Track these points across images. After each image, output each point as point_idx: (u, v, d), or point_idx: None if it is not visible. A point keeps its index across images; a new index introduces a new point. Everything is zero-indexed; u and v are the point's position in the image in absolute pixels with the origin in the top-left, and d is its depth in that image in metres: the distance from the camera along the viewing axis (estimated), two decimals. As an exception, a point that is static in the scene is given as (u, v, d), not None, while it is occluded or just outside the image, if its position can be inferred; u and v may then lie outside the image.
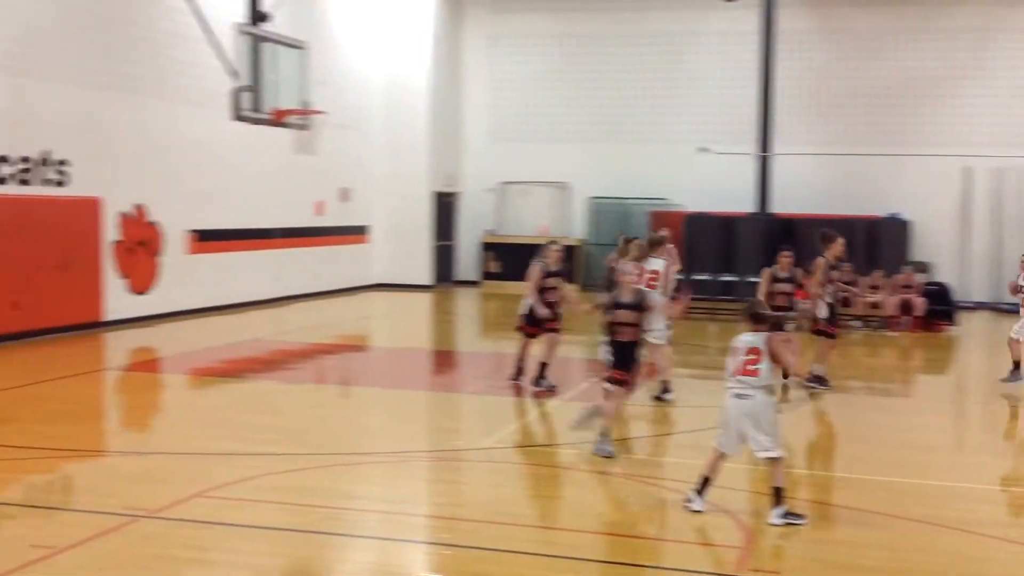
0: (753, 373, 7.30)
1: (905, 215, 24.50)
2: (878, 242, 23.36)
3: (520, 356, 12.37)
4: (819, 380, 12.54)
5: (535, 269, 12.05)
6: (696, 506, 7.43)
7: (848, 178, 25.31)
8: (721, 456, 7.46)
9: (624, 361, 9.12)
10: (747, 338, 7.35)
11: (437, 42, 26.40)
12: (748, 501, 7.97)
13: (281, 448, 9.11)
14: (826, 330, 12.95)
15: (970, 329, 20.35)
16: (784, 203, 25.25)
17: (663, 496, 8.05)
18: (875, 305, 19.94)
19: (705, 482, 7.48)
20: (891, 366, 17.05)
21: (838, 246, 12.98)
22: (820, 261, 12.90)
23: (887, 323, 19.76)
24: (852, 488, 8.49)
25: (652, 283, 11.49)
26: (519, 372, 12.29)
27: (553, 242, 12.40)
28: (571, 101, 27.19)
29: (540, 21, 27.23)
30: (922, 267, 21.18)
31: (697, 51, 26.39)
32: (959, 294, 22.18)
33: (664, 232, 13.08)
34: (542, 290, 12.00)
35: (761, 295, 12.30)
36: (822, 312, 12.87)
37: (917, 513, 7.65)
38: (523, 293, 12.35)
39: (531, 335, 12.25)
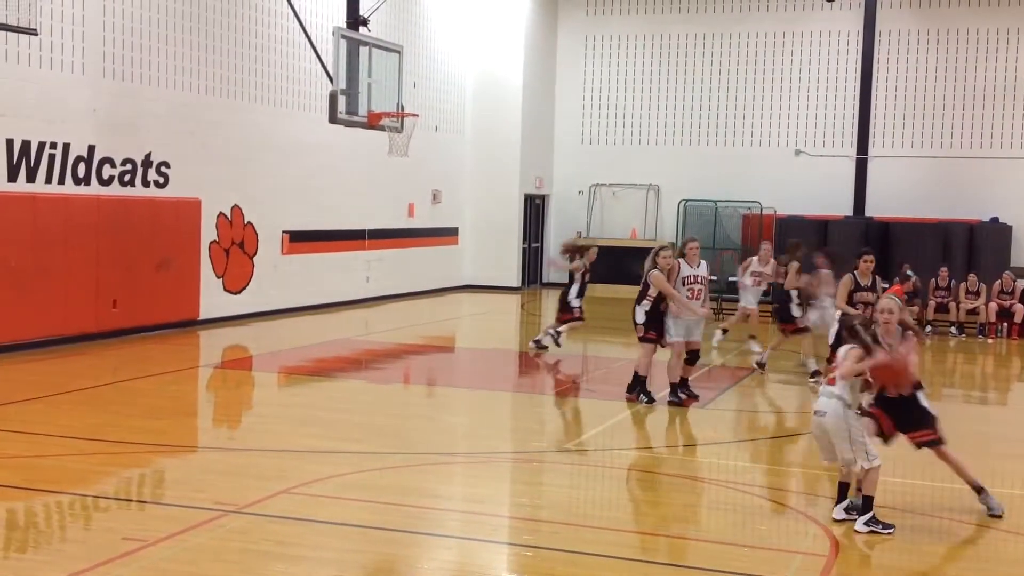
0: (831, 382, 7.27)
1: (1006, 219, 23.81)
2: (977, 247, 22.77)
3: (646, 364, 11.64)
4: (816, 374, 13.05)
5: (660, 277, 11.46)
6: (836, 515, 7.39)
7: (947, 181, 24.70)
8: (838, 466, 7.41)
9: None
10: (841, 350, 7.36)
11: (530, 43, 26.50)
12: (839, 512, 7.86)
13: (367, 446, 9.25)
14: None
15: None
16: (880, 206, 24.78)
17: (749, 502, 7.96)
18: (973, 311, 19.43)
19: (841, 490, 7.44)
20: (988, 373, 16.59)
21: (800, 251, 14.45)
22: (794, 265, 14.32)
23: (985, 330, 19.23)
24: (942, 496, 8.29)
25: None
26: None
27: (664, 247, 11.75)
28: (663, 102, 27.03)
29: (634, 22, 27.14)
30: (1021, 273, 20.55)
31: (795, 52, 26.02)
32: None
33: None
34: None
35: (841, 303, 11.46)
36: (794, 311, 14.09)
37: (1006, 524, 7.45)
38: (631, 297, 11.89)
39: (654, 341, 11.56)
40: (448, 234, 25.64)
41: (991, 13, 24.52)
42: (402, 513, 7.47)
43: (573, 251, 15.30)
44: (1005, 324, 19.29)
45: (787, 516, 7.78)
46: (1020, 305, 19.32)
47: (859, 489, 7.34)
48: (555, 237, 27.77)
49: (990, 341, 18.87)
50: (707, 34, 26.61)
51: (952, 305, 19.58)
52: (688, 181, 26.56)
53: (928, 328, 19.48)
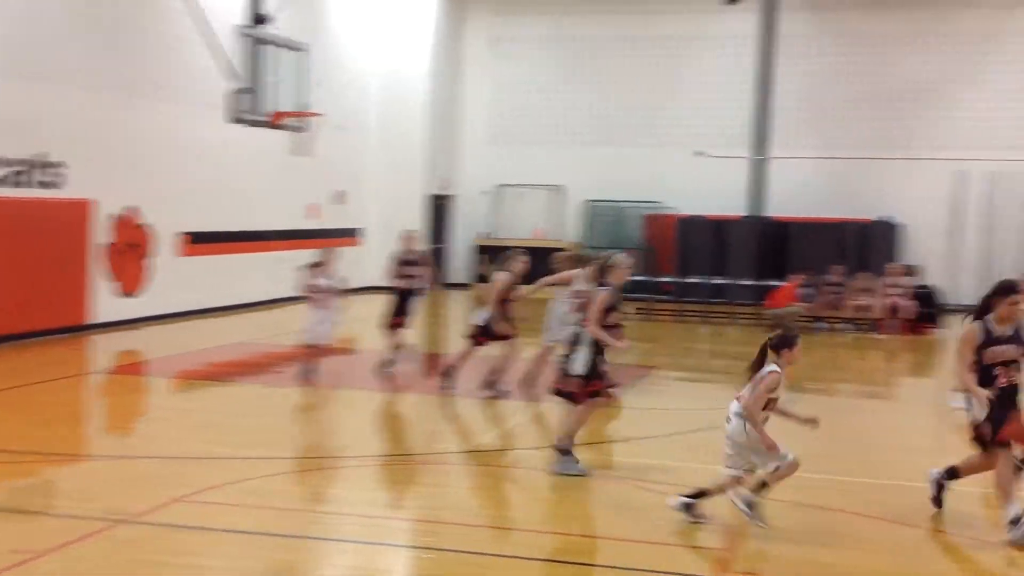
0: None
1: (896, 218, 24.56)
2: (869, 245, 23.45)
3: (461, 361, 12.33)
4: None
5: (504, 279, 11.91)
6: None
7: (842, 182, 25.35)
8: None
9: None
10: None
11: (437, 43, 26.45)
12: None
13: (264, 452, 9.13)
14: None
15: (957, 332, 20.38)
16: (778, 206, 25.32)
17: (652, 499, 8.06)
18: (864, 307, 19.99)
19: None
20: (878, 368, 17.10)
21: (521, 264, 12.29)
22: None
23: (875, 326, 19.81)
24: (834, 489, 8.51)
25: None
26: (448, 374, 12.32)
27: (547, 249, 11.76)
28: (569, 104, 27.22)
29: (541, 24, 27.28)
30: (911, 270, 21.21)
31: (696, 55, 26.44)
32: (948, 297, 22.21)
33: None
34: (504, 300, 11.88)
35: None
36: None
37: (893, 513, 7.70)
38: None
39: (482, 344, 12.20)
40: (352, 235, 25.46)
41: (886, 19, 25.23)
42: (299, 518, 7.39)
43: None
44: (895, 320, 19.87)
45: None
46: (910, 301, 19.92)
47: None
48: (461, 238, 27.79)
49: (881, 337, 19.43)
50: (611, 36, 26.87)
51: (845, 302, 20.12)
52: (592, 182, 26.79)
53: (823, 325, 20.00)
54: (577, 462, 8.62)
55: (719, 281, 23.01)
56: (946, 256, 24.76)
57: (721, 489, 7.33)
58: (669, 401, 12.76)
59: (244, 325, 18.81)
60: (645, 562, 6.72)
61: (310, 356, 12.93)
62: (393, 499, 8.29)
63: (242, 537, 6.92)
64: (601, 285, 8.76)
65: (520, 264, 12.25)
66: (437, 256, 27.34)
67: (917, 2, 24.95)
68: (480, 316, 12.26)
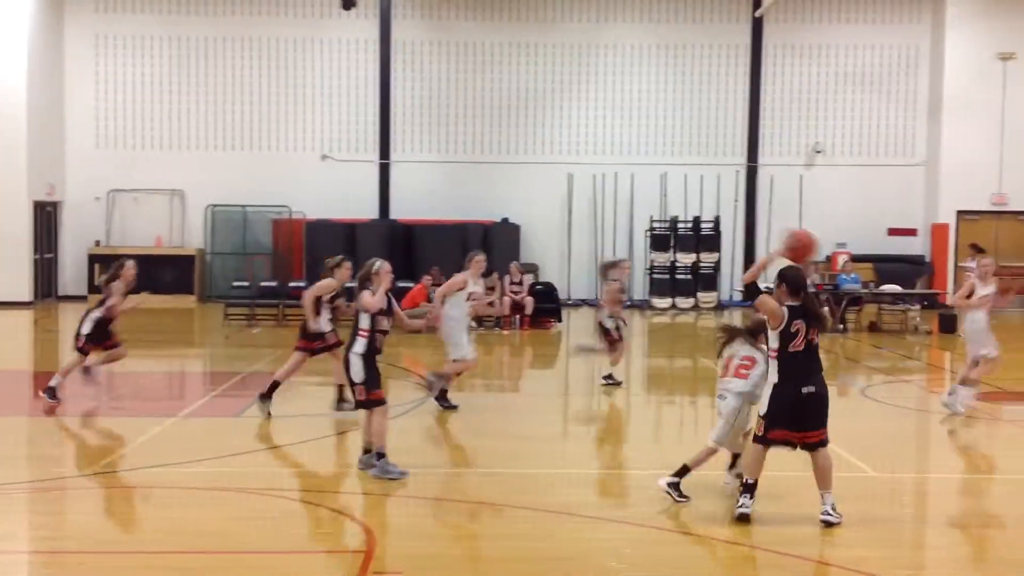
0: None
1: (515, 220, 25.86)
2: (492, 246, 24.46)
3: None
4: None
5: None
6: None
7: (464, 185, 26.31)
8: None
9: None
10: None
11: (33, 41, 24.52)
12: (374, 504, 8.06)
13: None
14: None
15: (575, 325, 21.82)
16: (404, 209, 25.86)
17: (286, 508, 7.91)
18: (490, 305, 20.83)
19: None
20: (505, 363, 17.88)
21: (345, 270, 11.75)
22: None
23: (500, 322, 20.73)
24: (468, 482, 8.79)
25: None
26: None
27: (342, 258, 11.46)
28: (186, 106, 26.24)
29: (149, 22, 26.06)
30: (530, 268, 22.39)
31: (316, 58, 26.36)
32: (564, 293, 23.73)
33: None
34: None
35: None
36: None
37: (526, 501, 8.07)
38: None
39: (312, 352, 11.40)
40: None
41: (495, 28, 26.48)
42: None
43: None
44: (518, 316, 20.90)
45: (325, 517, 7.84)
46: (530, 298, 21.03)
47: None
48: (70, 247, 25.97)
49: (505, 333, 20.34)
50: (225, 37, 26.19)
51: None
52: (215, 186, 26.00)
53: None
54: (395, 466, 8.62)
55: (351, 285, 23.03)
56: (561, 254, 26.43)
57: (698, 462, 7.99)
58: (305, 407, 12.62)
59: None
60: (284, 573, 6.60)
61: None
62: (10, 529, 7.56)
63: None
64: (362, 289, 8.87)
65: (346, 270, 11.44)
66: (46, 267, 25.44)
67: (522, 14, 26.40)
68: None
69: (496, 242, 24.64)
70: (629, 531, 7.34)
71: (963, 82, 25.38)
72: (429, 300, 20.17)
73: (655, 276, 25.81)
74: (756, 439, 7.57)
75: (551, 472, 9.14)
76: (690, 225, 25.95)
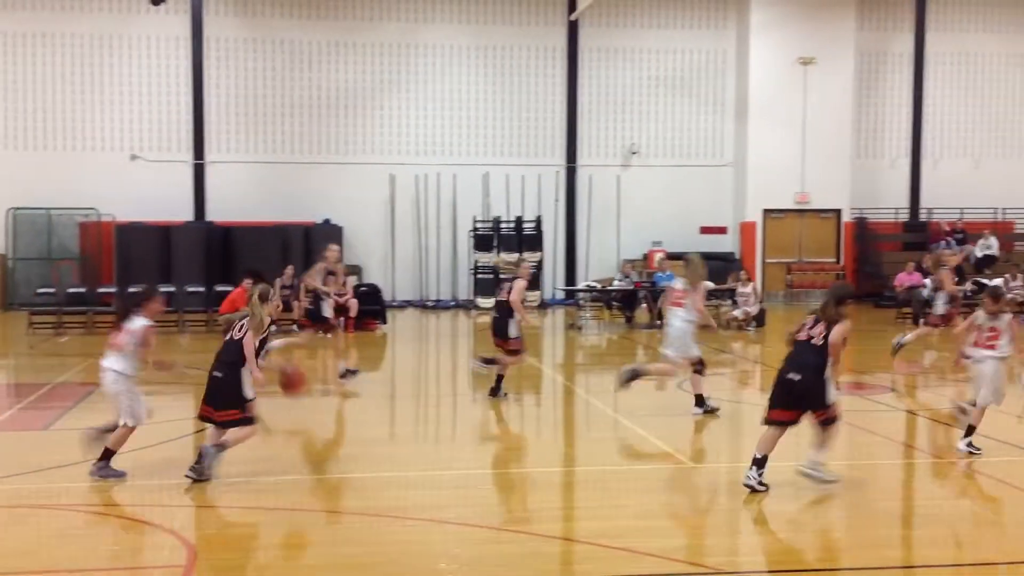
0: None
1: (338, 220, 25.58)
2: (314, 248, 24.12)
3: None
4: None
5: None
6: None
7: (284, 186, 25.85)
8: None
9: None
10: None
11: None
12: (195, 516, 7.83)
13: None
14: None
15: (399, 326, 21.77)
16: (221, 211, 25.22)
17: (101, 523, 7.59)
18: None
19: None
20: (329, 367, 17.65)
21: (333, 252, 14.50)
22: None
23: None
24: (292, 490, 8.64)
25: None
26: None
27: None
28: (-19, 103, 24.83)
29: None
30: (353, 270, 22.19)
31: (124, 55, 25.40)
32: (388, 294, 23.63)
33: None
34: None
35: None
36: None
37: (354, 506, 8.00)
38: None
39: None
40: None
41: (313, 25, 26.06)
42: None
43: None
44: (342, 319, 20.63)
45: (142, 532, 7.57)
46: (354, 300, 20.79)
47: None
48: None
49: (328, 336, 20.08)
50: (35, 33, 24.92)
51: (295, 303, 20.48)
52: (16, 188, 24.72)
53: (272, 327, 20.15)
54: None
55: (165, 289, 22.28)
56: (384, 255, 26.30)
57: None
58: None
59: None
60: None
61: None
62: None
63: None
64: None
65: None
66: None
67: (340, 12, 26.14)
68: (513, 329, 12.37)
69: (318, 244, 24.23)
70: (459, 531, 7.38)
71: (767, 86, 26.59)
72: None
73: (479, 276, 25.99)
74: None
75: (379, 476, 9.08)
76: (513, 225, 26.25)
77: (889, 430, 11.28)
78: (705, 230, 27.17)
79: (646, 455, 9.76)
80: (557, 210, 27.14)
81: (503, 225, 26.27)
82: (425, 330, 21.95)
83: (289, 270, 20.91)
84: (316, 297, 14.25)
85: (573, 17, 26.51)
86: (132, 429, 8.59)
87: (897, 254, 26.43)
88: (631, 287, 22.27)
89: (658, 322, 21.08)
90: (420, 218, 26.60)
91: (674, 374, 12.00)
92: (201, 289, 21.78)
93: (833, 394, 8.18)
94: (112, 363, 8.55)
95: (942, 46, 27.76)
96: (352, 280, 21.78)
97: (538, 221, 26.44)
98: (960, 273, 22.74)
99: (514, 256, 25.95)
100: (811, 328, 8.19)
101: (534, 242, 26.17)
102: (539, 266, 26.16)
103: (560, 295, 26.40)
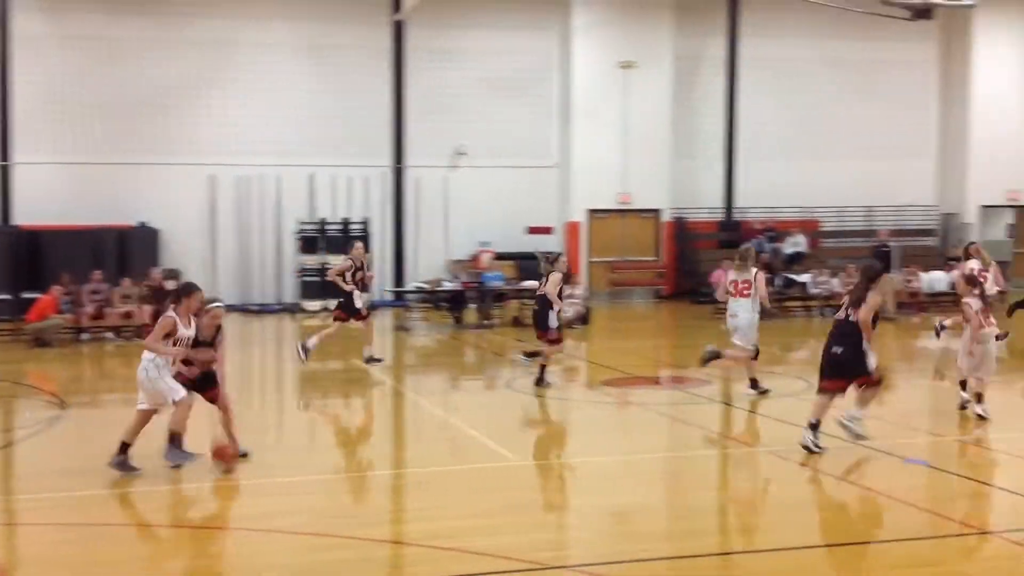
0: None
1: (155, 223, 24.70)
2: (129, 252, 23.30)
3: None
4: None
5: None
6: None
7: (96, 188, 24.75)
8: None
9: None
10: None
11: None
12: (5, 534, 7.40)
13: None
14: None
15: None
16: (29, 215, 24.01)
17: None
18: (128, 315, 19.75)
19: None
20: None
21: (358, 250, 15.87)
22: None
23: (142, 332, 19.70)
24: (111, 504, 8.28)
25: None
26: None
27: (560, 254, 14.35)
28: None
29: None
30: (172, 274, 21.43)
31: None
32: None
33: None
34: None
35: None
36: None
37: (180, 518, 7.73)
38: None
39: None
40: None
41: (127, 22, 25.03)
42: None
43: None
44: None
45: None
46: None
47: None
48: None
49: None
50: None
51: (108, 310, 19.67)
52: None
53: (86, 335, 19.36)
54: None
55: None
56: (205, 259, 25.54)
57: None
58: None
59: None
60: None
61: None
62: None
63: None
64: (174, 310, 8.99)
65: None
66: None
67: (156, 8, 25.24)
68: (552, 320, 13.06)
69: (134, 247, 23.39)
70: (287, 540, 7.21)
71: (590, 88, 27.10)
72: (60, 311, 18.84)
73: (305, 279, 25.56)
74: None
75: (204, 486, 8.78)
76: (340, 227, 25.93)
77: (705, 421, 11.66)
78: (532, 230, 27.48)
79: (476, 455, 9.80)
80: (385, 211, 26.95)
81: (329, 227, 25.91)
82: (249, 335, 21.42)
83: (97, 275, 20.07)
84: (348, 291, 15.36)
85: (398, 17, 26.37)
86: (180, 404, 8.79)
87: (713, 252, 27.38)
88: (460, 288, 22.32)
89: (485, 322, 21.23)
90: (242, 220, 25.95)
91: (748, 359, 12.62)
92: (7, 297, 20.67)
93: (873, 362, 9.31)
94: (144, 353, 8.88)
95: (754, 51, 28.90)
96: (171, 285, 21.06)
97: (365, 222, 26.20)
98: (771, 270, 23.79)
99: (341, 258, 25.57)
100: (848, 307, 9.38)
101: (362, 244, 25.82)
102: (367, 267, 25.84)
103: (389, 296, 26.24)
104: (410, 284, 25.16)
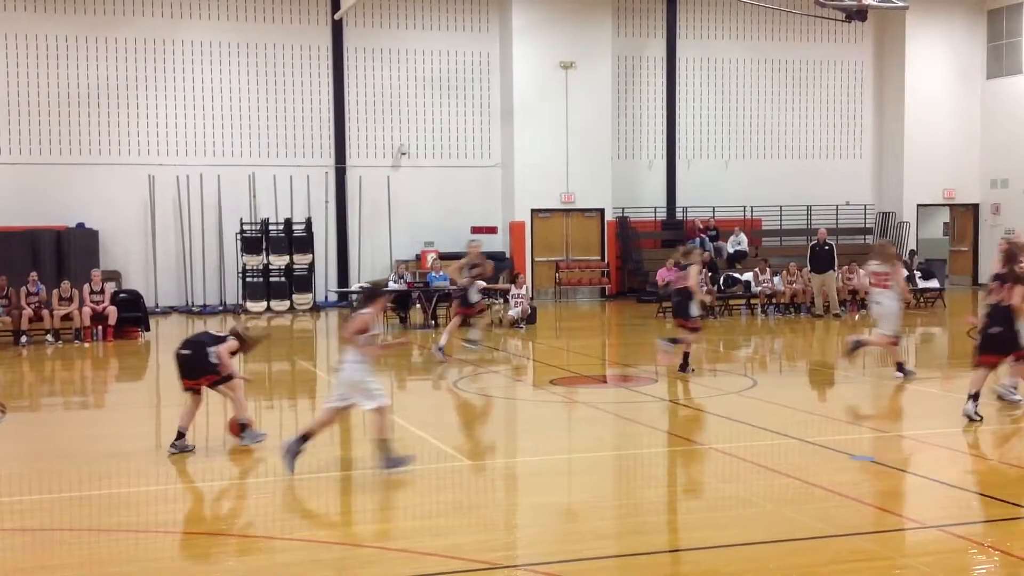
0: None
1: (93, 224, 24.32)
2: (66, 253, 22.95)
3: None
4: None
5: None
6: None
7: (33, 188, 24.38)
8: None
9: None
10: None
11: None
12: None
13: None
14: None
15: (163, 333, 20.90)
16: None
17: None
18: (66, 317, 19.43)
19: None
20: (88, 377, 16.77)
21: None
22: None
23: (80, 334, 19.40)
24: (47, 509, 8.12)
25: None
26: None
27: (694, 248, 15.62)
28: None
29: None
30: (111, 275, 21.13)
31: None
32: (150, 300, 22.61)
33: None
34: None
35: None
36: None
37: (118, 523, 7.61)
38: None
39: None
40: None
41: (60, 20, 24.70)
42: None
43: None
44: (100, 327, 19.63)
45: None
46: (112, 307, 19.83)
47: None
48: None
49: (86, 345, 19.08)
50: None
51: (46, 312, 19.34)
52: None
53: (24, 338, 19.00)
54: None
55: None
56: (144, 259, 25.20)
57: None
58: None
59: None
60: None
61: None
62: None
63: None
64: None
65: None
66: None
67: (90, 6, 24.86)
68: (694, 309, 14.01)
69: (72, 249, 23.03)
70: (234, 543, 7.13)
71: (530, 89, 27.17)
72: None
73: (248, 279, 25.32)
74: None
75: (145, 490, 8.66)
76: (282, 227, 25.72)
77: (652, 419, 11.75)
78: (476, 230, 27.48)
79: (424, 455, 9.77)
80: (327, 211, 26.78)
81: (272, 227, 25.68)
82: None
83: (33, 276, 19.69)
84: (464, 287, 16.29)
85: (337, 16, 26.21)
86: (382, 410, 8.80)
87: (657, 251, 27.60)
88: (405, 288, 22.24)
89: (431, 322, 21.17)
90: (183, 220, 25.64)
91: (895, 346, 13.53)
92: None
93: None
94: (347, 354, 8.85)
95: (692, 51, 29.20)
96: (111, 286, 20.75)
97: (308, 223, 26.02)
98: (713, 268, 24.03)
99: (284, 259, 25.42)
100: (999, 292, 10.62)
101: (305, 244, 25.71)
102: (310, 268, 25.72)
103: (333, 297, 26.07)
104: (355, 284, 25.03)
